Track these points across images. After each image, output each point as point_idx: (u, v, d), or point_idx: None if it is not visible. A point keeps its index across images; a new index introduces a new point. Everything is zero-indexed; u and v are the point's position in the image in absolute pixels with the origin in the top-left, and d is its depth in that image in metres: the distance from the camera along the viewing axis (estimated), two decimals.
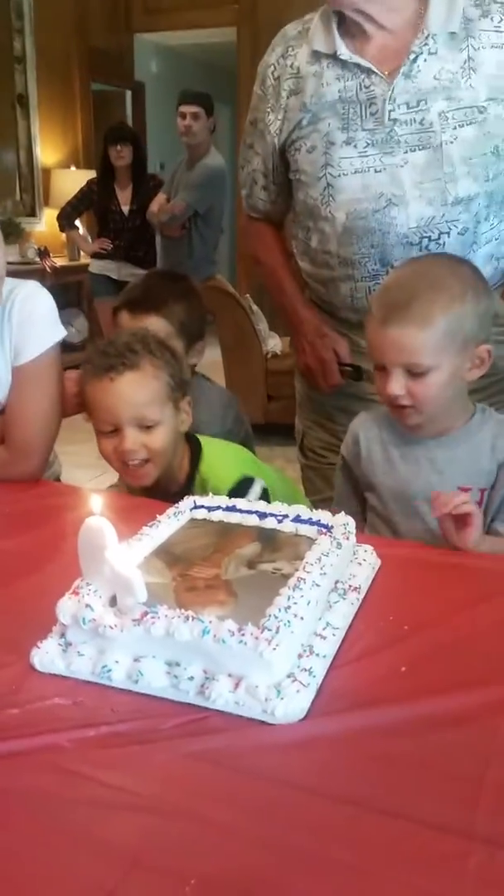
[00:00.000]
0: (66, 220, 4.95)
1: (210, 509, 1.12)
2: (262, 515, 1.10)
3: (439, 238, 1.41)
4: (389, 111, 1.38)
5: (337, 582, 0.98)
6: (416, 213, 1.40)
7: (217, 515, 1.11)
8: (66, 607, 0.85)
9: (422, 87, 1.37)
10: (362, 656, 0.87)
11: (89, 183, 4.81)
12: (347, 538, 1.03)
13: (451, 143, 1.36)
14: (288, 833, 0.64)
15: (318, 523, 1.07)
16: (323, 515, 1.09)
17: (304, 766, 0.72)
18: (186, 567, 0.97)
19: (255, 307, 4.48)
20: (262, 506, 1.12)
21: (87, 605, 0.84)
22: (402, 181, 1.39)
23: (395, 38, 1.40)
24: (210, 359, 2.18)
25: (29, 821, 0.66)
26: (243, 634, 0.79)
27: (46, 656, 0.85)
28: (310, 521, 1.08)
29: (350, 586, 0.98)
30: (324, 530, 1.05)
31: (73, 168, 6.03)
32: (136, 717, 0.77)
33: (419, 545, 1.19)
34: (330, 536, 1.02)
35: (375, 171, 1.40)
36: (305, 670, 0.80)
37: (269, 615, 0.82)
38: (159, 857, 0.62)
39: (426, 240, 1.41)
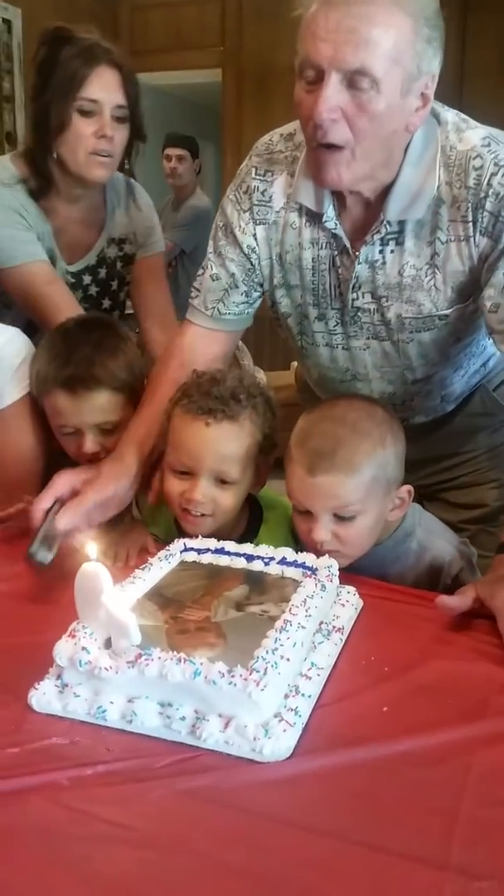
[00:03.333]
0: None
1: (200, 552, 1.17)
2: (250, 558, 1.14)
3: (403, 403, 1.44)
4: (353, 299, 1.33)
5: (321, 623, 1.02)
6: (378, 388, 1.43)
7: (206, 558, 1.16)
8: (62, 650, 0.89)
9: (385, 281, 1.29)
10: (345, 696, 0.92)
11: None
12: (331, 580, 1.08)
13: (408, 342, 1.34)
14: (276, 866, 0.69)
15: (303, 566, 1.12)
16: (308, 558, 1.13)
17: (290, 803, 0.76)
18: (178, 609, 1.02)
19: (240, 343, 4.55)
20: (248, 548, 1.17)
21: (84, 648, 0.88)
22: (366, 362, 1.40)
23: (370, 210, 1.27)
24: None
25: (30, 856, 0.70)
26: (233, 676, 0.83)
27: (44, 697, 0.89)
28: (295, 564, 1.12)
29: (334, 627, 1.03)
30: (308, 573, 1.10)
31: None
32: (131, 756, 0.81)
33: (400, 588, 1.23)
34: (315, 579, 1.07)
35: (342, 349, 1.40)
36: (292, 710, 0.85)
37: (258, 657, 0.87)
38: (156, 890, 0.66)
39: (392, 405, 1.39)
